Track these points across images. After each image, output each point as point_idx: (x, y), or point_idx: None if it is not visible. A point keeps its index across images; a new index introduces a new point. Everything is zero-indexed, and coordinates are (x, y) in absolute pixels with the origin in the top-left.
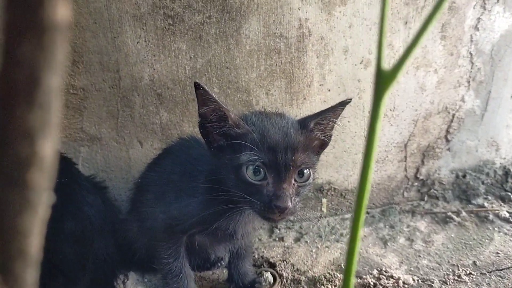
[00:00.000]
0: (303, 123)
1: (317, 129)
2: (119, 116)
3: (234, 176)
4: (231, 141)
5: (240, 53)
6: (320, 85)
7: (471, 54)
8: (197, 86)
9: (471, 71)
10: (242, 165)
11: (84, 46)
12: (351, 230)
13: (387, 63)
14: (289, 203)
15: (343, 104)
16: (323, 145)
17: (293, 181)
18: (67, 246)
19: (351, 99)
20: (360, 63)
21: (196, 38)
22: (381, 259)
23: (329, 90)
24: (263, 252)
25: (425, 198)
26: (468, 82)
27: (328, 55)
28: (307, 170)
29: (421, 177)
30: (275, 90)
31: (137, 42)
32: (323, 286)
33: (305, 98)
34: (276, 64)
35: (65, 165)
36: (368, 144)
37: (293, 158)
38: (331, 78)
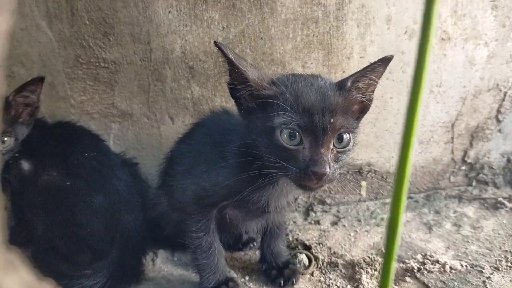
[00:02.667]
0: (341, 83)
1: (355, 88)
2: (150, 91)
3: (267, 141)
4: (261, 103)
5: (275, 22)
6: (360, 57)
7: None
8: (216, 45)
9: None
10: (276, 128)
11: (115, 16)
12: (392, 204)
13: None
14: (328, 169)
15: (384, 61)
16: (364, 109)
17: (331, 146)
18: (95, 220)
19: (392, 56)
20: (404, 33)
21: (229, 6)
22: (425, 244)
23: (370, 63)
24: (298, 234)
25: (473, 183)
26: None
27: (370, 25)
28: (347, 134)
29: (469, 161)
30: (312, 63)
31: (169, 12)
32: (362, 269)
33: (344, 72)
34: (313, 35)
35: (92, 140)
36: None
37: (332, 120)
38: (373, 49)
